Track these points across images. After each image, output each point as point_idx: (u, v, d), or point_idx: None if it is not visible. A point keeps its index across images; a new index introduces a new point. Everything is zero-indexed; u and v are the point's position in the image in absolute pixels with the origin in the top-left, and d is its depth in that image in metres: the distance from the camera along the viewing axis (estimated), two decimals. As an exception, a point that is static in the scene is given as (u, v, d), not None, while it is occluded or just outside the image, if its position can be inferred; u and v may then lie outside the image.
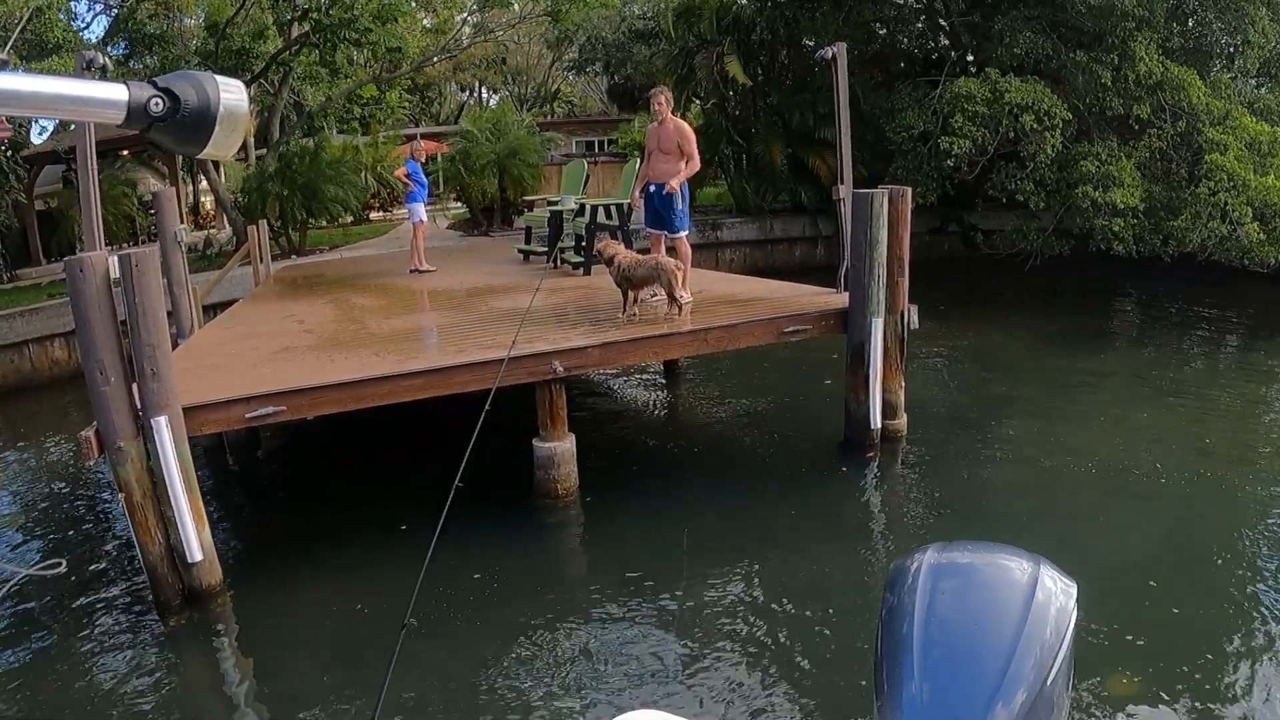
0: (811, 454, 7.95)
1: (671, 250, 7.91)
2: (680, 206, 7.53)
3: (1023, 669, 1.37)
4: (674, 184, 7.45)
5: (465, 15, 26.01)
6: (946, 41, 18.62)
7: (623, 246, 7.78)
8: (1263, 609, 5.03)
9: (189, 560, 5.48)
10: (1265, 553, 5.80)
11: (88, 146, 6.09)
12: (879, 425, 7.37)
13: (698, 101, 20.92)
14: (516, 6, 23.75)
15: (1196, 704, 4.23)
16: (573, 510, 6.80)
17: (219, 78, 0.98)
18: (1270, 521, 6.26)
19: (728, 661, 4.81)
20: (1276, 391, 9.92)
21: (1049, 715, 1.41)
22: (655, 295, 7.75)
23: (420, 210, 11.99)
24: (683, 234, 7.71)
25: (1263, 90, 16.29)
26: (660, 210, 7.65)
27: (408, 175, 11.87)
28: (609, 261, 7.40)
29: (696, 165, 7.62)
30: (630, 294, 7.35)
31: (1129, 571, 5.56)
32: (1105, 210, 13.56)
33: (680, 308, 7.23)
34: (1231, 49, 15.08)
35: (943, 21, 18.40)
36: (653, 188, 7.62)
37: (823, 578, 5.77)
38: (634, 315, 7.31)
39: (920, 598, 1.52)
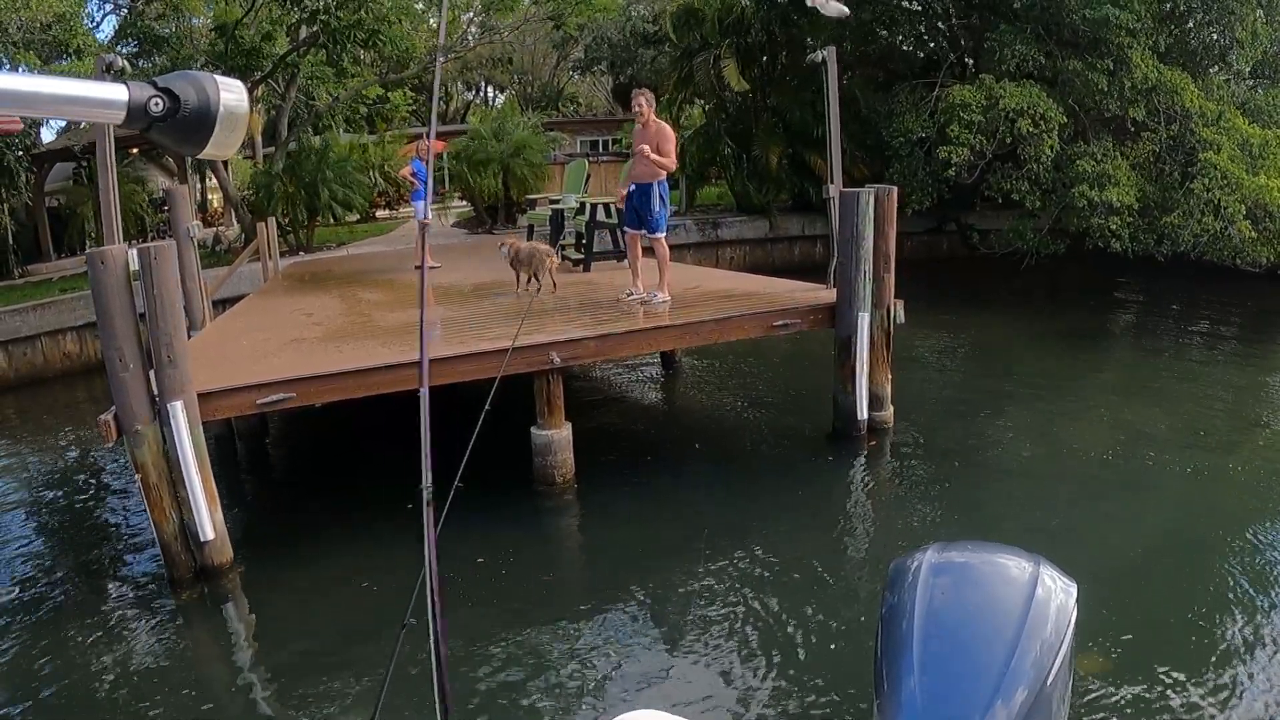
0: (803, 444, 8.20)
1: (649, 250, 8.17)
2: (658, 208, 7.73)
3: (1023, 667, 1.37)
4: (647, 151, 7.55)
5: (471, 15, 26.28)
6: (946, 43, 18.83)
7: (520, 240, 9.48)
8: (1254, 599, 5.11)
9: (201, 539, 5.76)
10: (1258, 545, 5.89)
11: (107, 145, 6.37)
12: (866, 417, 7.62)
13: (699, 101, 21.14)
14: (521, 8, 23.99)
15: (1186, 691, 4.28)
16: (569, 496, 7.05)
17: (219, 78, 0.97)
18: (1264, 514, 6.39)
19: (722, 650, 4.87)
20: (1270, 388, 10.07)
21: (1049, 714, 1.41)
22: (630, 294, 8.11)
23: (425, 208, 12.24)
24: (660, 234, 7.94)
25: (1258, 91, 16.48)
26: (639, 210, 7.88)
27: (413, 174, 12.13)
28: (506, 247, 9.15)
29: (671, 165, 7.72)
30: (521, 274, 8.90)
31: (1119, 560, 5.67)
32: (1101, 209, 13.77)
33: (539, 287, 8.69)
34: (1230, 51, 15.27)
35: (941, 25, 18.61)
36: (633, 187, 7.84)
37: (812, 565, 5.91)
38: (525, 292, 8.81)
39: (920, 596, 1.51)
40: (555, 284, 8.88)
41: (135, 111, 0.92)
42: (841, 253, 7.47)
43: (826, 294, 7.87)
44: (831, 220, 8.03)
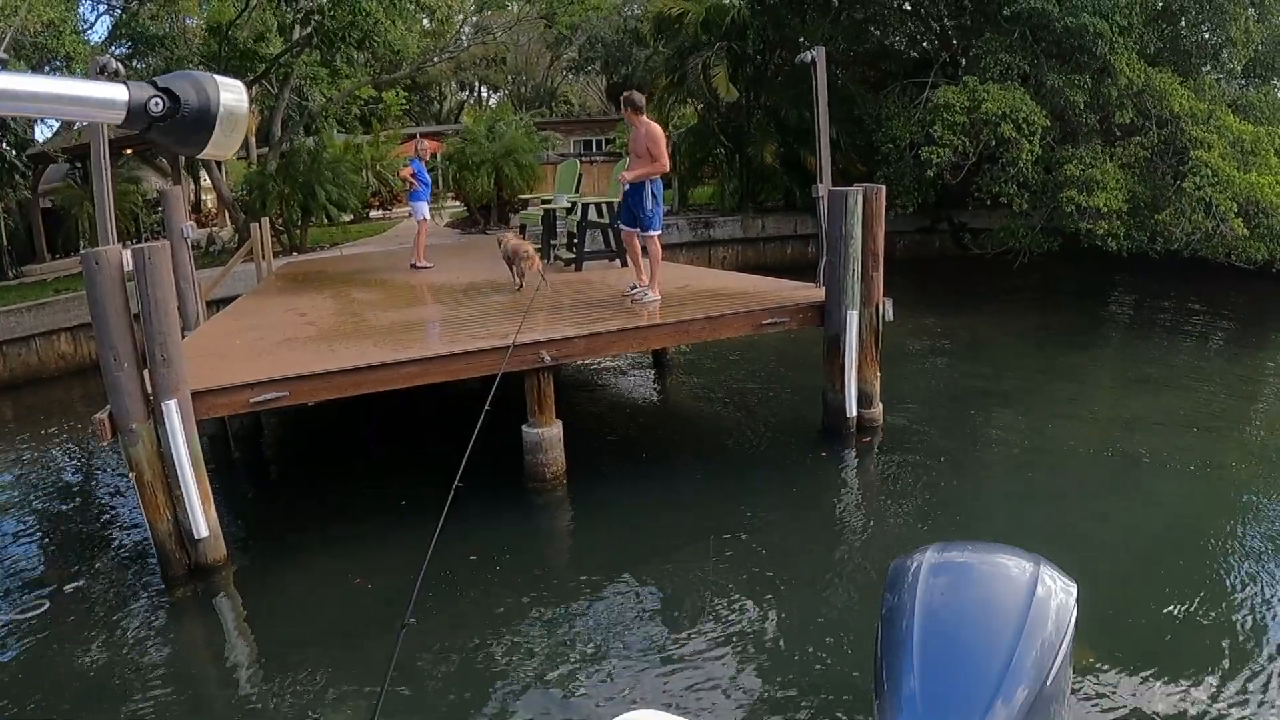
0: (793, 441, 8.25)
1: (643, 248, 8.23)
2: (650, 205, 7.79)
3: (1023, 667, 1.38)
4: (626, 176, 7.76)
5: (463, 16, 26.34)
6: (938, 42, 18.89)
7: (513, 236, 9.72)
8: (1253, 595, 5.13)
9: (195, 536, 5.81)
10: (1256, 540, 5.92)
11: (102, 145, 6.41)
12: (855, 414, 7.70)
13: (691, 101, 21.18)
14: (514, 7, 24.07)
15: (1185, 688, 4.28)
16: (560, 494, 7.08)
17: (219, 78, 0.97)
18: (1261, 509, 6.44)
19: (718, 649, 4.86)
20: (1264, 384, 10.11)
21: (1048, 714, 1.42)
22: (634, 288, 8.18)
23: (424, 208, 12.31)
24: (654, 233, 8.00)
25: (1249, 90, 16.55)
26: (633, 209, 7.95)
27: (413, 174, 12.17)
28: (500, 244, 9.58)
29: (662, 167, 7.77)
30: (513, 267, 9.20)
31: (1115, 557, 5.70)
32: (1090, 214, 13.82)
33: (522, 282, 8.94)
34: (1222, 50, 15.33)
35: (934, 24, 18.68)
36: (627, 187, 7.92)
37: (804, 562, 5.97)
38: (518, 285, 9.08)
39: (920, 596, 1.52)
40: (545, 279, 8.88)
41: (135, 112, 0.91)
42: (830, 251, 7.54)
43: (815, 292, 7.93)
44: (820, 219, 8.09)
